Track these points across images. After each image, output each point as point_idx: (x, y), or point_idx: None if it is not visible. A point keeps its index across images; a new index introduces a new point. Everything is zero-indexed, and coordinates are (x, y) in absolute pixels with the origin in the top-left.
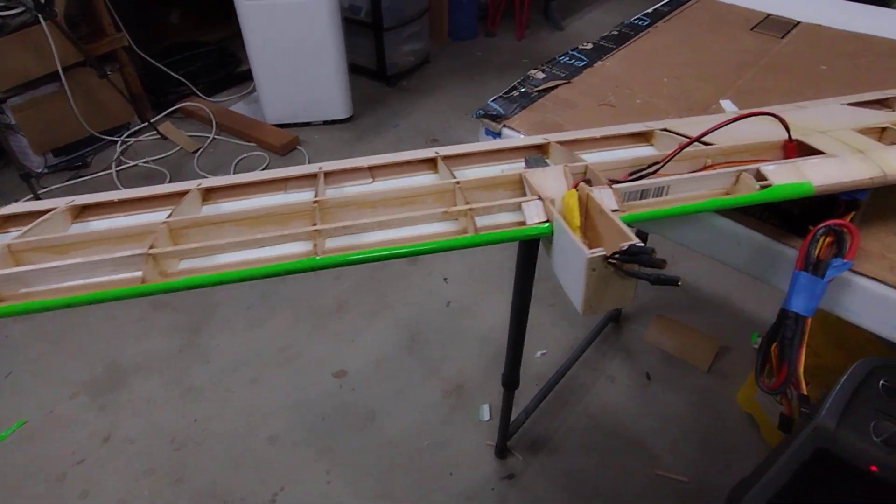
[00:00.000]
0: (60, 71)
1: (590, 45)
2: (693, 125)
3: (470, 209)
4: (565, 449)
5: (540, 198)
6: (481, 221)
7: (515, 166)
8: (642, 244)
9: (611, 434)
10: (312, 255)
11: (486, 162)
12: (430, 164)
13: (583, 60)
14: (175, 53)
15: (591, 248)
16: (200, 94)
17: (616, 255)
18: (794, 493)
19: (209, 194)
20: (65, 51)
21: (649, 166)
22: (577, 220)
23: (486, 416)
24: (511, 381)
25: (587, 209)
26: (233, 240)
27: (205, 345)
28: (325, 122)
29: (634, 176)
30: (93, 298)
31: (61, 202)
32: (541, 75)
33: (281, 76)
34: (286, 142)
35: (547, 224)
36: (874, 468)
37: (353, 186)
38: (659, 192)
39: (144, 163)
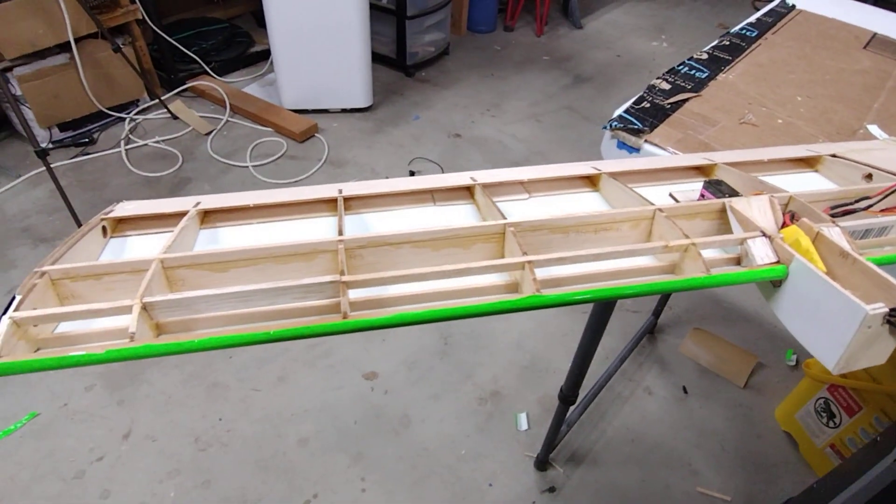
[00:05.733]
0: (72, 41)
1: (705, 56)
2: (862, 153)
3: (692, 243)
4: (605, 462)
5: (765, 234)
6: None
7: (681, 187)
8: None
9: (650, 448)
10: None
11: (651, 182)
12: (588, 180)
13: (704, 72)
14: (186, 29)
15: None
16: (212, 74)
17: None
18: None
19: (349, 203)
20: (77, 20)
21: (857, 201)
22: (821, 264)
23: (525, 426)
24: (571, 397)
25: (818, 251)
26: (419, 270)
27: None
28: (344, 110)
29: (838, 211)
30: (279, 336)
31: (186, 204)
32: (666, 86)
33: (302, 59)
34: (305, 129)
35: (781, 266)
36: None
37: (510, 202)
38: (881, 231)
39: (155, 142)
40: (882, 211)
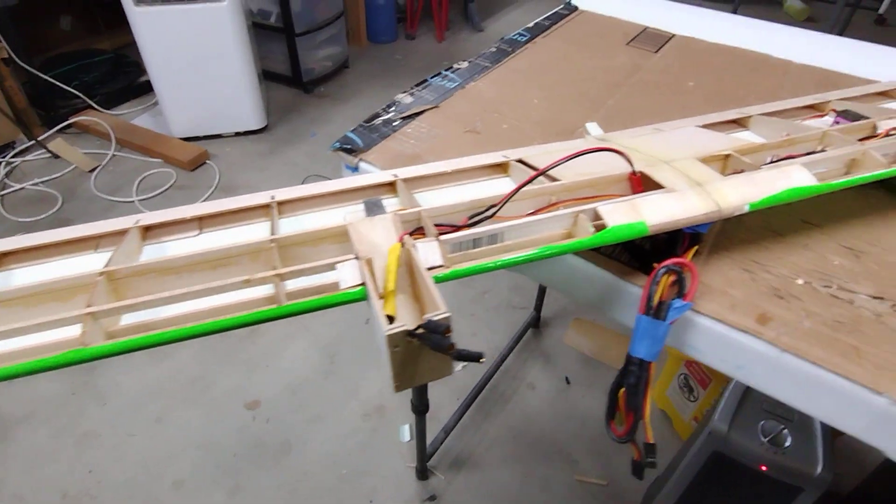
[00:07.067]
0: None
1: (465, 64)
2: (549, 154)
3: (277, 275)
4: (487, 463)
5: (356, 257)
6: (298, 284)
7: (357, 208)
8: (440, 319)
9: (532, 443)
10: (81, 346)
11: (333, 204)
12: (268, 210)
13: (455, 81)
14: (66, 63)
15: (422, 313)
16: (97, 107)
17: (420, 329)
18: (696, 495)
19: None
20: None
21: (488, 209)
22: (392, 283)
23: (407, 438)
24: (420, 407)
25: (411, 267)
26: None
27: (101, 385)
28: (238, 134)
29: (472, 220)
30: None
31: None
32: (409, 99)
33: (185, 86)
34: (194, 157)
35: (361, 288)
36: (764, 468)
37: (177, 241)
38: (493, 239)
39: (33, 185)
40: (537, 210)
